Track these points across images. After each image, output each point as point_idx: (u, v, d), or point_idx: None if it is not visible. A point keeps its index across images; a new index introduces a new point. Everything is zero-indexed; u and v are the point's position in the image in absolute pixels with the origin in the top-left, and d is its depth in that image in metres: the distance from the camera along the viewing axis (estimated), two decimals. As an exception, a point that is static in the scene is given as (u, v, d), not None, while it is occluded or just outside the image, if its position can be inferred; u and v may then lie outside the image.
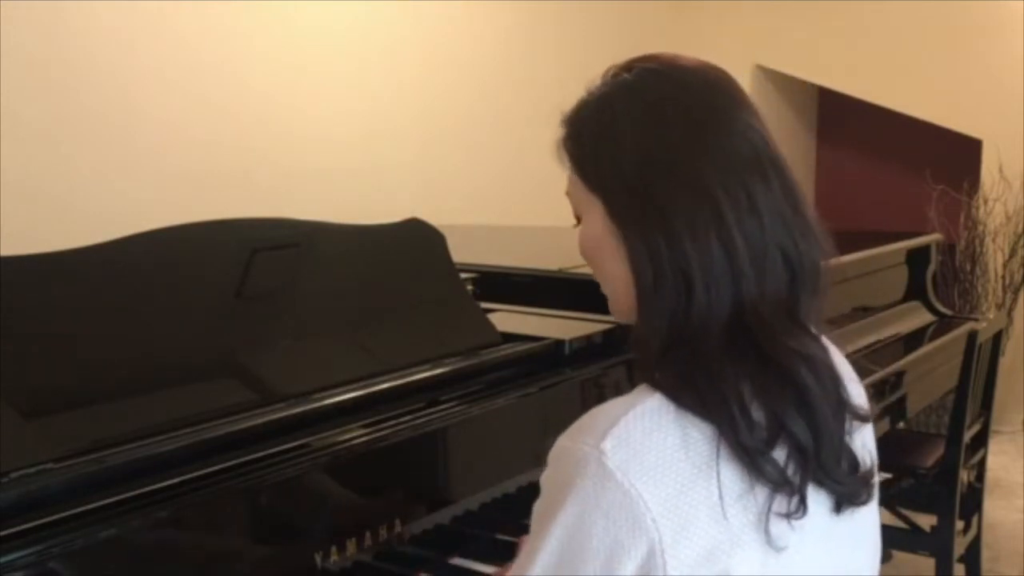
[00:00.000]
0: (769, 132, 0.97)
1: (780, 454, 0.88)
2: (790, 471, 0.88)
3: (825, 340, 0.98)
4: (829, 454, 0.91)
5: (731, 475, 0.87)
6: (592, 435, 0.88)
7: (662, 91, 0.95)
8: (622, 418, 0.88)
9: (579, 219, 1.01)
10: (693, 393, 0.88)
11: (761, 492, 0.88)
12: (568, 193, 1.01)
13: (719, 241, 0.90)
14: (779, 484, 0.87)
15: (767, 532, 0.87)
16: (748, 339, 0.90)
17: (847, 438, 0.94)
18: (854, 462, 0.94)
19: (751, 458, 0.87)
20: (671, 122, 0.93)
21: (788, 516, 0.88)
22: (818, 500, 0.92)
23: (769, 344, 0.90)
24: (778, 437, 0.88)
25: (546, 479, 0.92)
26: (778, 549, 0.88)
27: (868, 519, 1.01)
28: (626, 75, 0.97)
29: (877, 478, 1.00)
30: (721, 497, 0.86)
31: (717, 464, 0.87)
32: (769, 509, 0.87)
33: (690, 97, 0.95)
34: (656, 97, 0.95)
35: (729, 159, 0.92)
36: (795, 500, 0.88)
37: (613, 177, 0.94)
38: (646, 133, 0.93)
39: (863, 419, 0.97)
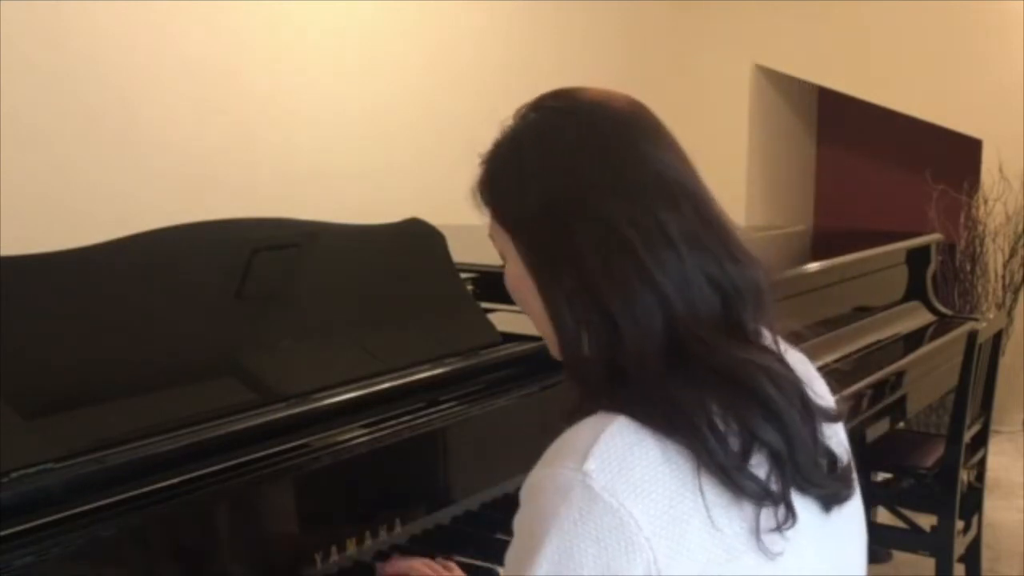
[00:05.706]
0: (680, 156, 0.95)
1: (760, 465, 0.87)
2: (771, 482, 0.87)
3: (782, 343, 0.97)
4: (806, 460, 0.89)
5: (714, 488, 0.85)
6: (572, 458, 0.84)
7: (565, 130, 0.95)
8: (601, 435, 0.85)
9: (504, 260, 1.01)
10: (657, 415, 0.86)
11: (748, 504, 0.86)
12: (490, 235, 1.01)
13: (637, 276, 0.89)
14: (761, 497, 0.86)
15: (760, 541, 0.86)
16: (694, 357, 0.88)
17: (822, 439, 0.92)
18: (833, 461, 0.94)
19: (729, 476, 0.85)
20: (574, 162, 0.93)
21: (779, 528, 0.87)
22: (805, 504, 0.91)
23: (716, 359, 0.88)
24: (752, 447, 0.86)
25: (522, 517, 0.87)
26: (772, 556, 0.87)
27: (854, 511, 1.00)
28: (533, 114, 0.98)
29: (855, 472, 0.98)
30: (707, 509, 0.84)
31: (699, 478, 0.84)
32: (758, 527, 0.86)
33: (592, 134, 0.94)
34: (559, 137, 0.95)
35: (633, 192, 0.91)
36: (782, 510, 0.87)
37: (523, 219, 0.95)
38: (550, 174, 0.94)
39: (833, 419, 0.96)
